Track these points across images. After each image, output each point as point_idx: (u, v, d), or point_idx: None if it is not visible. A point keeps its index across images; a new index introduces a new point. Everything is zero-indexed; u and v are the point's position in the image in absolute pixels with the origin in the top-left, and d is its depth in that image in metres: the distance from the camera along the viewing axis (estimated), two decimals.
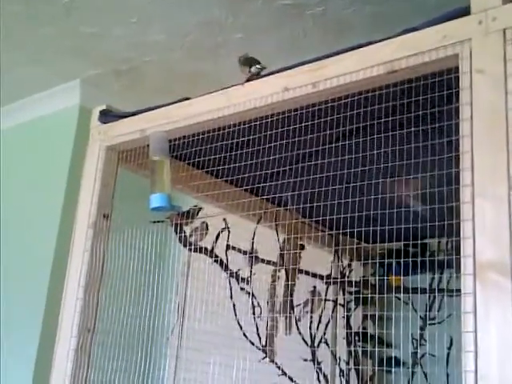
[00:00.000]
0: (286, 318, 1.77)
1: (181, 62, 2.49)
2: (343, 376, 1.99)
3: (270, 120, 1.34)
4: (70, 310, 1.48)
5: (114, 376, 1.43)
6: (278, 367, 1.71)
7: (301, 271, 1.80)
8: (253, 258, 1.69)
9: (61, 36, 2.37)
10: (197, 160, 1.50)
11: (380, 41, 1.16)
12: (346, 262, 2.05)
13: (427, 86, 1.13)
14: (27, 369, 2.41)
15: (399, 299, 1.70)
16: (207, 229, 1.67)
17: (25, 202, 2.77)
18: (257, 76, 1.39)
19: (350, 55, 1.20)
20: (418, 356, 1.86)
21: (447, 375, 1.74)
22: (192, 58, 2.46)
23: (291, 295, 1.77)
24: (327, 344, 1.91)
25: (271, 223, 1.70)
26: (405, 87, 1.16)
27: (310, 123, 1.29)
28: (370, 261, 2.18)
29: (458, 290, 0.96)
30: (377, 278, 2.11)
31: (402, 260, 1.85)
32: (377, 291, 2.02)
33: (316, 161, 1.35)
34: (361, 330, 2.11)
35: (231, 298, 1.65)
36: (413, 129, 1.20)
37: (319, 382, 1.82)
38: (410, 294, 1.77)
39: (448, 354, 1.71)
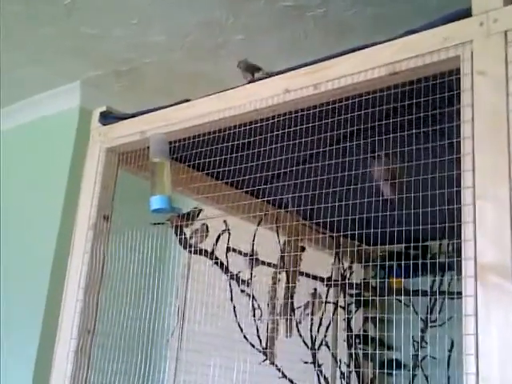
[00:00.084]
0: (287, 320, 1.76)
1: (181, 62, 2.49)
2: (344, 378, 1.98)
3: (270, 122, 1.34)
4: (70, 312, 1.48)
5: (114, 378, 1.43)
6: (279, 369, 1.70)
7: (301, 273, 1.80)
8: (253, 260, 1.69)
9: (61, 36, 2.37)
10: (197, 162, 1.49)
11: (381, 43, 1.16)
12: (346, 264, 2.05)
13: (428, 87, 1.13)
14: (27, 370, 2.40)
15: (400, 301, 1.70)
16: (207, 231, 1.66)
17: (25, 203, 2.77)
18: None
19: (351, 57, 1.20)
20: (419, 358, 1.85)
21: (448, 378, 1.74)
22: (192, 59, 2.46)
23: (292, 297, 1.77)
24: (328, 346, 1.91)
25: (272, 225, 1.70)
26: (406, 89, 1.15)
27: (310, 125, 1.29)
28: (370, 263, 2.17)
29: (459, 293, 0.95)
30: (378, 280, 2.11)
31: (402, 262, 1.85)
32: (377, 293, 2.02)
33: (317, 163, 1.35)
34: (361, 333, 2.11)
35: (231, 300, 1.65)
36: (414, 131, 1.19)
37: None
38: (411, 297, 1.76)
39: (449, 357, 1.70)
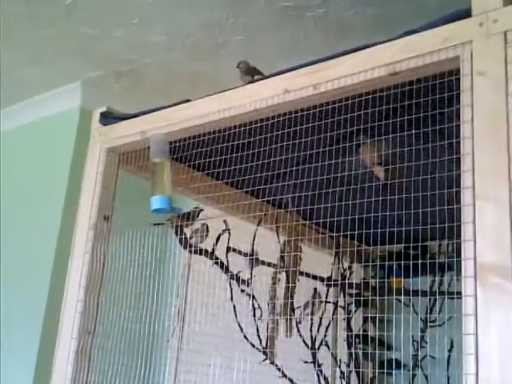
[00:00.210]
0: (287, 320, 1.76)
1: (181, 63, 2.49)
2: (344, 378, 1.98)
3: (270, 122, 1.34)
4: (71, 312, 1.48)
5: (115, 379, 1.43)
6: (279, 369, 1.70)
7: (301, 273, 1.80)
8: (253, 260, 1.69)
9: (61, 37, 2.37)
10: (197, 162, 1.50)
11: (381, 43, 1.16)
12: (346, 264, 2.05)
13: (428, 87, 1.13)
14: (27, 371, 2.41)
15: (400, 301, 1.70)
16: (208, 231, 1.67)
17: (26, 203, 2.77)
18: None
19: (351, 57, 1.20)
20: (419, 358, 1.86)
21: (448, 378, 1.74)
22: (193, 60, 2.47)
23: (292, 297, 1.77)
24: (328, 346, 1.91)
25: (272, 225, 1.70)
26: (406, 89, 1.16)
27: (310, 125, 1.29)
28: (370, 263, 2.18)
29: (459, 293, 0.95)
30: (377, 280, 2.11)
31: (402, 262, 1.85)
32: (377, 293, 2.02)
33: (317, 163, 1.35)
34: (361, 332, 2.11)
35: (232, 300, 1.65)
36: (414, 131, 1.19)
37: None
38: (411, 297, 1.76)
39: (449, 357, 1.70)
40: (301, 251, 1.75)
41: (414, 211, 1.18)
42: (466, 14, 1.05)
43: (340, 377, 1.99)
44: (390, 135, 1.24)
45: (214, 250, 1.67)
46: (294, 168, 1.40)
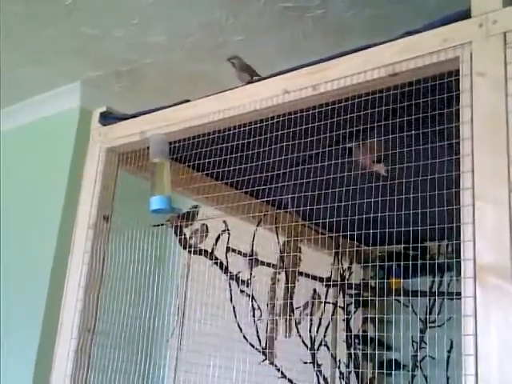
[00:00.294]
0: (286, 320, 1.76)
1: (181, 63, 2.49)
2: (343, 379, 1.98)
3: (270, 122, 1.34)
4: (70, 311, 1.48)
5: (114, 377, 1.43)
6: (278, 369, 1.70)
7: (301, 274, 1.80)
8: (253, 260, 1.69)
9: (61, 37, 2.37)
10: (197, 162, 1.50)
11: (381, 43, 1.16)
12: (346, 265, 2.05)
13: (428, 88, 1.13)
14: (27, 369, 2.41)
15: (399, 302, 1.70)
16: (207, 231, 1.67)
17: (25, 203, 2.77)
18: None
19: (350, 58, 1.20)
20: (418, 359, 1.86)
21: (447, 378, 1.74)
22: (192, 60, 2.47)
23: (291, 298, 1.77)
24: (327, 347, 1.91)
25: (271, 225, 1.70)
26: (405, 90, 1.16)
27: (310, 126, 1.29)
28: (370, 263, 2.17)
29: (459, 293, 0.95)
30: (377, 280, 2.11)
31: (402, 263, 1.85)
32: (377, 294, 2.02)
33: (316, 163, 1.35)
34: (361, 333, 2.11)
35: (231, 300, 1.65)
36: (413, 131, 1.19)
37: None
38: (410, 297, 1.76)
39: (448, 357, 1.70)
40: (300, 251, 1.75)
41: (413, 212, 1.18)
42: (466, 14, 1.05)
43: (339, 377, 1.99)
44: (389, 136, 1.23)
45: (213, 250, 1.67)
46: (294, 168, 1.40)
